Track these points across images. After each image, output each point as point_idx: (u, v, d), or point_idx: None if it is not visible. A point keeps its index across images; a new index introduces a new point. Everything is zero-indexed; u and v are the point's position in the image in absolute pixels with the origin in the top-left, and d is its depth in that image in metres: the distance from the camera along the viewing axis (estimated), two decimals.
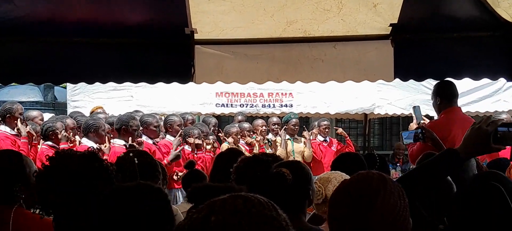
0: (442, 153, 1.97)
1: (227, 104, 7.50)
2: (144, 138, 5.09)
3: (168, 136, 5.64)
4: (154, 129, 5.23)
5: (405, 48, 3.66)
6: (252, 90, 7.40)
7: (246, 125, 6.77)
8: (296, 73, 3.83)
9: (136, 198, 1.63)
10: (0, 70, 3.63)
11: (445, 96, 3.87)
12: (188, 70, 3.64)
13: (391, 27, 3.59)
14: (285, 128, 6.82)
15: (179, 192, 5.26)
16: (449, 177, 2.23)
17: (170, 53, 3.63)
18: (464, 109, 4.23)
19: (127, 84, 5.70)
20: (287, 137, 6.78)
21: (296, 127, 6.91)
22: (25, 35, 3.55)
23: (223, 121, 8.99)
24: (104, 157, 4.03)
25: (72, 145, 4.86)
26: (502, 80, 6.32)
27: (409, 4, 3.36)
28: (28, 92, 10.67)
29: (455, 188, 2.22)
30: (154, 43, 3.64)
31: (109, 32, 3.56)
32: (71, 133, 5.00)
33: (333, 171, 2.68)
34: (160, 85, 4.66)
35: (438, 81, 3.93)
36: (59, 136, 4.83)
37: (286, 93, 7.50)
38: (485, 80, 5.52)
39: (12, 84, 7.63)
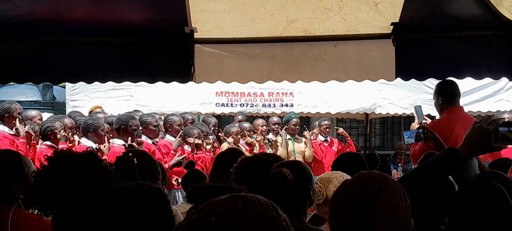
0: (443, 153, 1.96)
1: (227, 104, 7.47)
2: (143, 138, 5.07)
3: (167, 136, 5.63)
4: (153, 128, 5.22)
5: (407, 47, 3.65)
6: (252, 90, 7.38)
7: (246, 125, 6.75)
8: (297, 73, 3.82)
9: (135, 198, 1.62)
10: None
11: (447, 96, 3.86)
12: (188, 69, 3.63)
13: (392, 26, 3.58)
14: (286, 127, 6.81)
15: (179, 192, 5.24)
16: (450, 177, 2.22)
17: (169, 53, 3.62)
18: (466, 109, 4.21)
19: (127, 83, 5.69)
20: (288, 136, 6.76)
21: (297, 127, 6.89)
22: (24, 34, 3.55)
23: (223, 120, 8.98)
24: (103, 157, 4.01)
25: (71, 144, 4.84)
26: (504, 80, 6.32)
27: (411, 3, 3.35)
28: (26, 92, 10.66)
29: (456, 188, 2.21)
30: (154, 42, 3.63)
31: (109, 31, 3.55)
32: (70, 133, 4.98)
33: (334, 171, 2.67)
34: (160, 84, 4.67)
35: (440, 80, 3.92)
36: (58, 136, 4.81)
37: (286, 93, 7.48)
38: (487, 80, 5.52)
39: (10, 83, 7.62)
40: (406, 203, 1.56)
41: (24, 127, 4.97)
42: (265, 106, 7.53)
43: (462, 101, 4.11)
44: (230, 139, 6.24)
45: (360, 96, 7.40)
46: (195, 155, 5.63)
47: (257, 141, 6.50)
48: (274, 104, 7.51)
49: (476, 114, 6.79)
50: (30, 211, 2.20)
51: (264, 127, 6.78)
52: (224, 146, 6.03)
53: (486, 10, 3.36)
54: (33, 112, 5.89)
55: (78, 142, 4.98)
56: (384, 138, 13.91)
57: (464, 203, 1.85)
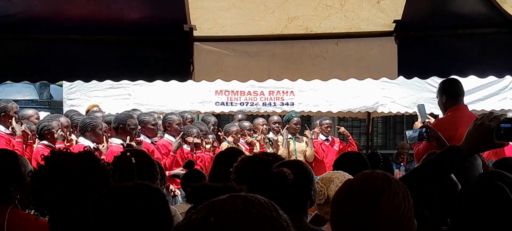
0: (445, 150, 1.95)
1: (227, 103, 7.45)
2: (142, 137, 5.04)
3: (166, 135, 5.60)
4: (152, 127, 5.19)
5: (409, 45, 3.62)
6: (252, 88, 7.36)
7: (246, 124, 6.74)
8: (298, 71, 3.80)
9: (134, 198, 1.60)
10: None
11: (450, 94, 3.85)
12: (187, 68, 3.61)
13: (394, 24, 3.55)
14: (287, 127, 6.78)
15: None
16: (453, 177, 2.21)
17: (168, 51, 3.60)
18: (469, 108, 4.19)
19: (125, 82, 5.66)
20: (289, 136, 6.73)
21: (298, 126, 6.87)
22: (21, 32, 3.51)
23: (223, 119, 8.96)
24: (101, 157, 3.98)
25: (68, 144, 4.81)
26: (508, 78, 6.31)
27: (413, 0, 3.32)
28: (23, 91, 10.64)
29: (459, 188, 2.20)
30: (152, 40, 3.61)
31: (106, 29, 3.52)
32: (67, 132, 4.96)
33: (335, 171, 2.66)
34: (159, 83, 4.66)
35: (444, 79, 3.90)
36: (55, 135, 4.79)
37: (287, 92, 7.45)
38: (491, 78, 5.49)
39: (7, 82, 7.60)
40: (409, 203, 1.55)
41: (21, 126, 4.95)
42: (266, 105, 7.50)
43: (466, 99, 4.10)
44: (230, 138, 6.23)
45: (362, 95, 7.38)
46: (194, 155, 5.60)
47: (257, 140, 6.48)
48: (274, 103, 7.48)
49: (480, 113, 6.72)
50: (27, 211, 2.20)
51: (265, 126, 6.77)
52: (224, 145, 6.01)
53: (490, 7, 3.34)
54: (30, 112, 5.87)
55: (76, 141, 4.95)
56: (386, 137, 13.91)
57: (467, 203, 1.85)
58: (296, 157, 6.45)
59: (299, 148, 6.79)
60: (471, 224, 1.81)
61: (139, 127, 5.05)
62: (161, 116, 6.13)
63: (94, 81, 4.15)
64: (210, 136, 6.17)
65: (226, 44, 3.72)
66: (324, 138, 7.11)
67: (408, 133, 3.50)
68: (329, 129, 7.14)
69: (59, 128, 4.86)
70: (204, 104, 7.41)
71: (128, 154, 2.68)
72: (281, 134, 6.76)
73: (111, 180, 1.89)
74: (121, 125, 4.79)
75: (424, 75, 3.93)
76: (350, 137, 7.50)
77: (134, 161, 2.58)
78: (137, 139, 4.91)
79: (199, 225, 0.98)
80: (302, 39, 3.68)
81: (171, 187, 5.16)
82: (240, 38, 3.72)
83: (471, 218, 1.81)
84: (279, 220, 1.02)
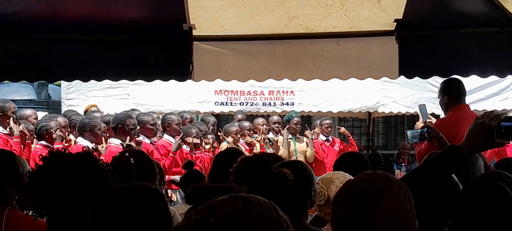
0: (445, 150, 1.94)
1: (226, 103, 7.43)
2: (141, 138, 5.02)
3: (166, 135, 5.59)
4: (151, 127, 5.18)
5: (410, 45, 3.61)
6: (252, 88, 7.34)
7: (246, 124, 6.72)
8: (298, 71, 3.79)
9: (132, 198, 1.60)
10: None
11: (452, 94, 3.84)
12: (186, 67, 3.60)
13: (395, 23, 3.54)
14: (287, 127, 6.77)
15: (177, 193, 5.20)
16: (455, 177, 2.20)
17: (167, 50, 3.60)
18: (470, 108, 4.17)
19: (123, 82, 5.65)
20: (289, 136, 6.72)
21: (298, 126, 6.85)
22: (19, 32, 3.52)
23: (222, 119, 8.95)
24: (100, 157, 3.97)
25: (67, 144, 4.80)
26: (510, 78, 6.30)
27: None
28: (21, 90, 10.60)
29: (461, 188, 2.18)
30: (151, 40, 3.60)
31: (105, 29, 3.52)
32: (66, 133, 4.95)
33: (335, 171, 2.65)
34: (158, 83, 4.64)
35: (445, 79, 3.89)
36: (54, 136, 4.78)
37: (287, 91, 7.43)
38: (493, 78, 5.46)
39: (4, 82, 7.57)
40: (410, 204, 1.55)
41: (18, 126, 4.94)
42: (265, 105, 7.48)
43: (467, 99, 4.09)
44: (230, 139, 6.21)
45: (363, 94, 7.36)
46: (193, 155, 5.59)
47: (257, 140, 6.46)
48: (274, 103, 7.46)
49: (482, 113, 6.73)
50: (25, 212, 2.20)
51: (265, 126, 6.75)
52: (223, 146, 6.00)
53: (492, 6, 3.34)
54: (28, 111, 5.86)
55: (74, 141, 4.94)
56: (387, 137, 13.89)
57: (468, 203, 1.84)
58: (296, 157, 6.43)
59: (299, 148, 6.77)
60: (472, 225, 1.80)
61: (138, 127, 5.03)
62: (160, 116, 6.10)
63: (92, 81, 4.16)
64: (209, 136, 6.16)
65: (226, 43, 3.71)
66: (324, 138, 7.10)
67: (410, 133, 3.49)
68: (329, 129, 7.13)
69: (57, 128, 4.84)
70: (203, 104, 7.39)
71: (127, 154, 2.67)
72: (281, 134, 6.75)
73: (109, 180, 1.89)
74: (120, 125, 4.77)
75: (425, 75, 3.92)
76: (351, 137, 7.49)
77: (132, 161, 2.56)
78: (137, 139, 4.89)
79: (199, 226, 0.98)
80: (302, 38, 3.68)
81: (169, 191, 5.13)
82: (239, 38, 3.71)
83: (472, 218, 1.80)
84: (279, 221, 1.01)
